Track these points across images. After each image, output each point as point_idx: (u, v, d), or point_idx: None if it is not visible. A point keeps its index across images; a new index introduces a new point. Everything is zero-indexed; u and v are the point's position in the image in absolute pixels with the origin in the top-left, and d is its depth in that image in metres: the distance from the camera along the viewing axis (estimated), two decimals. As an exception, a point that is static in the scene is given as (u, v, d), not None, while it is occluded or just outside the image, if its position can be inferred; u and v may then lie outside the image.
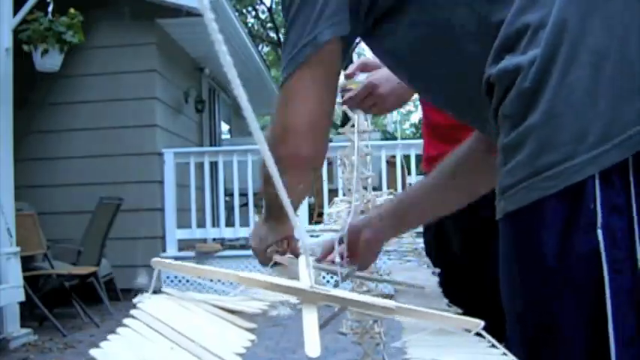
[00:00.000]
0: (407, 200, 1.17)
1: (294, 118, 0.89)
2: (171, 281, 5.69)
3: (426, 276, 1.24)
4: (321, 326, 0.55)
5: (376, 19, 0.88)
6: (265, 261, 1.13)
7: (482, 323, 0.62)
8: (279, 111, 0.92)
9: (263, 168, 0.98)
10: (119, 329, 0.46)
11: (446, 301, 0.99)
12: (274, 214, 1.08)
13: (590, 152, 0.66)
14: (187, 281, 5.62)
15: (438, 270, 1.27)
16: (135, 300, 0.51)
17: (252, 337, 0.49)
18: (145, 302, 0.51)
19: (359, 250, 1.12)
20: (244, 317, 0.52)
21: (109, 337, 0.44)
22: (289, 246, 1.14)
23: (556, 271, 0.68)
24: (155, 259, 0.58)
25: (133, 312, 0.48)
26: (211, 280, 0.63)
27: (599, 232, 0.65)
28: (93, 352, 0.40)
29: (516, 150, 0.71)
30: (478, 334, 0.63)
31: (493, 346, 0.61)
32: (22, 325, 4.44)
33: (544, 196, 0.68)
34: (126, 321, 0.47)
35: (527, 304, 0.72)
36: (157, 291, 0.56)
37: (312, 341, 0.52)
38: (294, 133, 0.90)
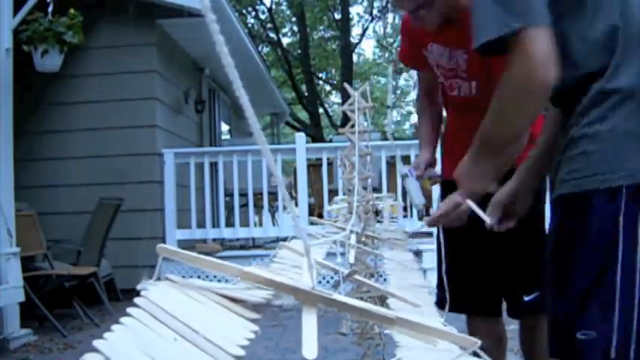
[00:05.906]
0: None
1: (542, 53, 1.13)
2: (171, 281, 5.68)
3: (409, 257, 1.33)
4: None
5: None
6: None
7: (479, 342, 0.62)
8: (524, 51, 1.14)
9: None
10: (123, 319, 0.46)
11: (441, 319, 1.00)
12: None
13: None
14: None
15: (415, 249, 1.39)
16: (139, 287, 0.51)
17: (255, 327, 0.49)
18: (149, 290, 0.51)
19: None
20: (248, 306, 0.52)
21: (114, 327, 0.44)
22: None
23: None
24: (160, 245, 0.58)
25: (136, 300, 0.48)
26: (210, 281, 0.63)
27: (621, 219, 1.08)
28: (97, 343, 0.41)
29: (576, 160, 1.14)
30: (475, 354, 0.62)
31: None
32: (22, 326, 4.44)
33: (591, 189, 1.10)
34: (130, 310, 0.47)
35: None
36: (160, 278, 0.55)
37: (310, 343, 0.52)
38: (547, 63, 1.13)
